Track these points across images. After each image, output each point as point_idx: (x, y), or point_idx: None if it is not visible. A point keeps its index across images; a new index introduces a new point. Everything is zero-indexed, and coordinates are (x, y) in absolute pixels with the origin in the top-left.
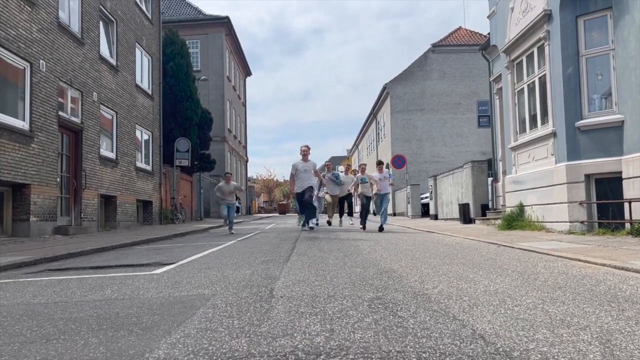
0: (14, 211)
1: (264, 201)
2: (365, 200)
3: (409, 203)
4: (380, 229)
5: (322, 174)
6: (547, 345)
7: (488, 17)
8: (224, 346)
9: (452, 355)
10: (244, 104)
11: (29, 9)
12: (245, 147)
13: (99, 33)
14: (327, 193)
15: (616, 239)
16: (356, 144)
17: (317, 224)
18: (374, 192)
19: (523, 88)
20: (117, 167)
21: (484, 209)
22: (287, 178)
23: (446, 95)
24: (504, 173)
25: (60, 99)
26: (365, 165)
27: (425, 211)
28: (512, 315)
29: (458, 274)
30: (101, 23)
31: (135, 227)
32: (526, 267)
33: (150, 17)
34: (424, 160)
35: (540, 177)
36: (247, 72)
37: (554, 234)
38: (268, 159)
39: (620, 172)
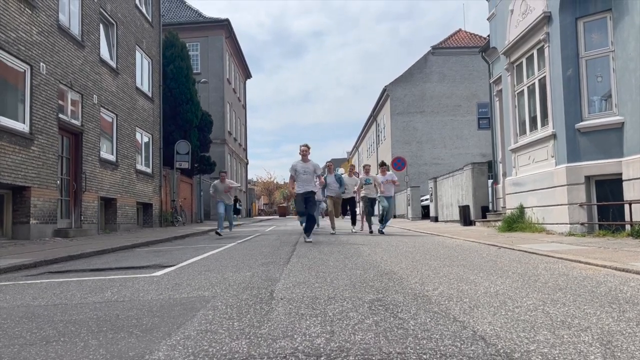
0: (14, 214)
1: (264, 203)
2: (369, 202)
3: (409, 205)
4: (380, 232)
5: (323, 176)
6: (548, 346)
7: (488, 19)
8: (224, 348)
9: (453, 356)
10: (244, 107)
11: (29, 11)
12: (245, 150)
13: (99, 36)
14: (329, 196)
15: (617, 241)
16: (356, 146)
17: (317, 226)
18: (377, 194)
19: (523, 90)
20: (117, 169)
21: (484, 211)
22: (287, 180)
23: (446, 98)
24: (504, 175)
25: (60, 102)
26: (370, 166)
27: (425, 213)
28: (513, 316)
29: (458, 275)
30: (101, 26)
31: (135, 229)
32: (527, 268)
33: (150, 20)
34: (424, 162)
35: (541, 178)
36: (247, 75)
37: (555, 236)
38: (268, 162)
39: (621, 174)
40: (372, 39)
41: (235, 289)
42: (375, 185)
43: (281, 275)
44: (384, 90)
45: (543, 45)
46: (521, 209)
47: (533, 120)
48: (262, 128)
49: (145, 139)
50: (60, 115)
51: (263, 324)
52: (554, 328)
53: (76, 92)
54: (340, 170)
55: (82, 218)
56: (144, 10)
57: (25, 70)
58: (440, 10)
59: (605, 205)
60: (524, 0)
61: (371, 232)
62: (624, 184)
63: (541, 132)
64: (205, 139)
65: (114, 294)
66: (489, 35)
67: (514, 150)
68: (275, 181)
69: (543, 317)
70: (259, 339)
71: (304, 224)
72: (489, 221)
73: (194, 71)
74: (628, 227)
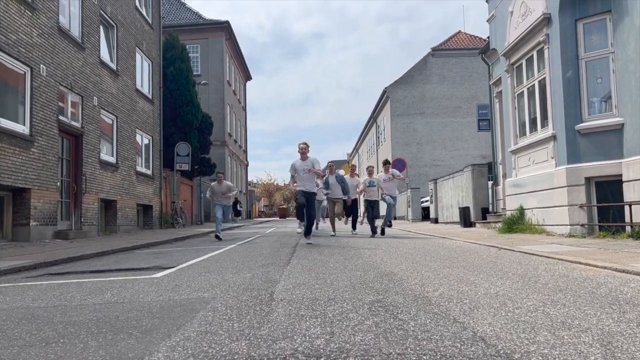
0: (14, 216)
1: (264, 205)
2: (373, 204)
3: (409, 207)
4: (382, 232)
5: (324, 176)
6: (548, 347)
7: (487, 20)
8: (223, 349)
9: (453, 357)
10: (244, 108)
11: (29, 13)
12: (245, 151)
13: (100, 38)
14: (329, 199)
15: (617, 242)
16: (356, 148)
17: (316, 228)
18: (381, 196)
19: (523, 91)
20: (118, 171)
21: (485, 213)
22: (287, 182)
23: (446, 99)
24: (504, 176)
25: (60, 104)
26: (373, 167)
27: (425, 215)
28: (513, 317)
29: (459, 277)
30: (101, 28)
31: (135, 231)
32: (527, 270)
33: (150, 22)
34: (424, 163)
35: (541, 180)
36: (247, 77)
37: (555, 237)
38: (268, 163)
39: (621, 175)
40: (372, 41)
41: (235, 290)
42: (378, 188)
43: (281, 277)
44: (384, 92)
45: (543, 47)
46: (521, 211)
47: (533, 122)
48: (262, 130)
49: (146, 141)
50: (61, 117)
51: (263, 325)
52: (554, 329)
53: (76, 94)
54: (341, 172)
55: (82, 220)
56: (144, 12)
57: (25, 72)
58: (440, 12)
59: (605, 207)
60: (523, 1)
61: (373, 235)
62: (624, 185)
63: (541, 134)
64: (205, 140)
65: (113, 295)
66: (488, 37)
67: (514, 152)
68: (275, 183)
69: (543, 318)
70: (259, 340)
71: (302, 229)
72: (489, 222)
73: (194, 73)
74: (628, 228)
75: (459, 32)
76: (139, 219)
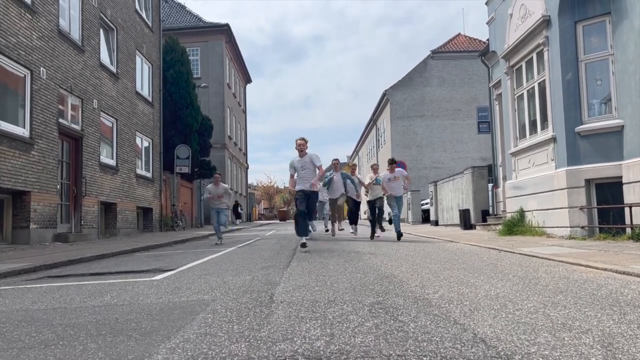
0: (14, 218)
1: (264, 208)
2: (377, 204)
3: (409, 209)
4: (399, 236)
5: (328, 176)
6: (549, 348)
7: (487, 23)
8: (223, 351)
9: (454, 359)
10: (244, 111)
11: (29, 16)
12: (245, 154)
13: (100, 40)
14: (331, 199)
15: (617, 244)
16: (356, 151)
17: (313, 230)
18: (385, 195)
19: (523, 93)
20: (118, 174)
21: (485, 215)
22: (287, 185)
23: (446, 102)
24: (504, 179)
25: (60, 107)
26: (377, 165)
27: (425, 217)
28: (514, 319)
29: (459, 278)
30: (101, 30)
31: (135, 234)
32: (527, 271)
33: (150, 25)
34: (424, 166)
35: (541, 182)
36: (247, 79)
37: (555, 239)
38: (268, 166)
39: (621, 177)
40: (372, 44)
41: (235, 292)
42: (383, 186)
43: (281, 279)
44: (384, 94)
45: (542, 49)
46: (521, 213)
47: (533, 124)
48: (262, 133)
49: (145, 144)
50: (60, 120)
51: (263, 327)
52: (555, 330)
53: (76, 97)
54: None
55: (82, 223)
56: (144, 16)
57: (25, 75)
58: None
59: (605, 209)
60: (523, 4)
61: (373, 237)
62: (624, 187)
63: (541, 136)
64: (205, 143)
65: (113, 297)
66: (488, 39)
67: (514, 154)
68: (275, 185)
69: (544, 320)
70: (259, 342)
71: (300, 242)
72: (489, 225)
73: (194, 76)
74: (629, 230)
75: (459, 34)
76: (139, 221)
